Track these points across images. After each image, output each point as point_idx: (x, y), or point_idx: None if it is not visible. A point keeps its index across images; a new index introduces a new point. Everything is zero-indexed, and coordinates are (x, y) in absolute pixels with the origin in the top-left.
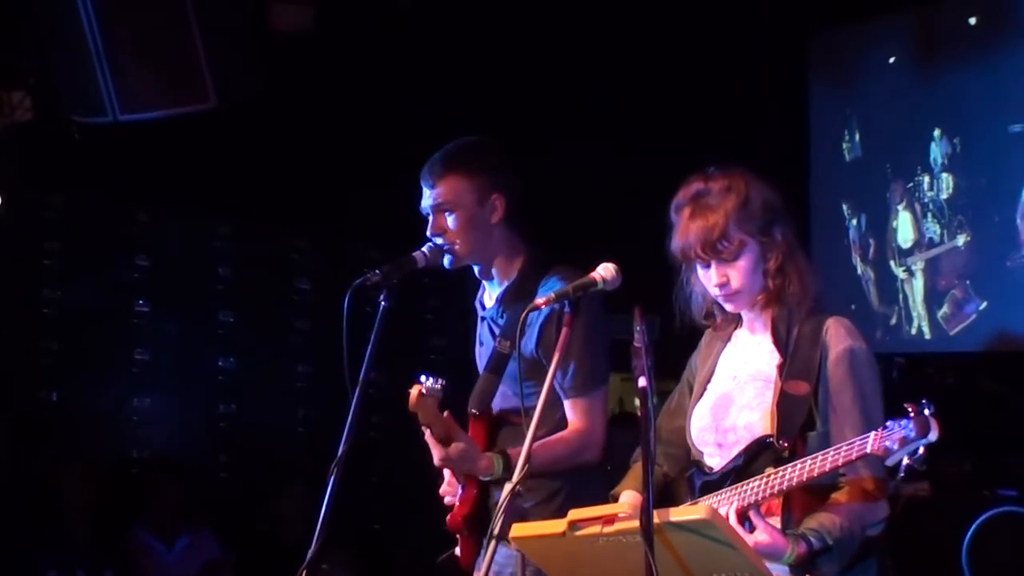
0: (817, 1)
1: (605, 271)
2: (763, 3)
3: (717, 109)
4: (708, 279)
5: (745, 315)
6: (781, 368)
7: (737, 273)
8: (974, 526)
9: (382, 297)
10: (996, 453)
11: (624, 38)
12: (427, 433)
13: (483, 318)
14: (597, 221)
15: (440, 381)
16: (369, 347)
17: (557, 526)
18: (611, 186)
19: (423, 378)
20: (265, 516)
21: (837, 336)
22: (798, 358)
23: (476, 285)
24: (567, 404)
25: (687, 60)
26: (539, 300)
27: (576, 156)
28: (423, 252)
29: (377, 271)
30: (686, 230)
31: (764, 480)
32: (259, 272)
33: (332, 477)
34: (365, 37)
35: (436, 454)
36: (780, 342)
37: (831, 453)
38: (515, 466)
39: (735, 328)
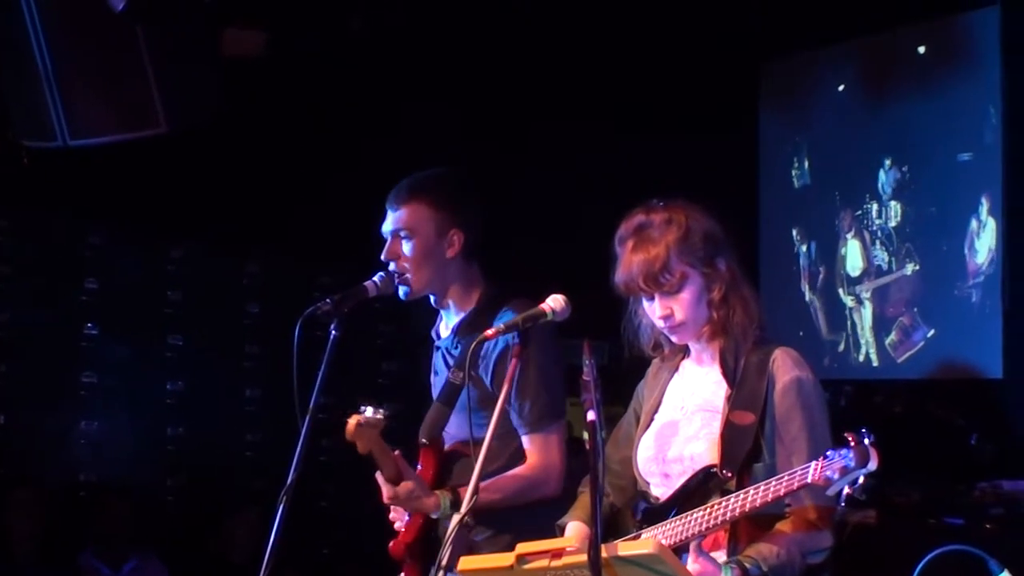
0: (768, 28)
1: (555, 302)
2: (714, 30)
3: (667, 134)
4: (652, 312)
5: (692, 346)
6: (730, 398)
7: (680, 305)
8: (920, 566)
9: (333, 326)
10: (943, 481)
11: (574, 67)
12: (378, 473)
13: (438, 348)
14: (546, 247)
15: (382, 411)
16: (319, 376)
17: (505, 559)
18: (561, 212)
19: (362, 408)
20: (214, 540)
21: (784, 366)
22: (745, 388)
23: (428, 311)
24: (524, 439)
25: (637, 87)
26: (488, 331)
27: (527, 183)
28: (374, 282)
29: (328, 300)
30: (628, 263)
31: (707, 511)
32: (209, 296)
33: (281, 506)
34: (317, 62)
35: (385, 492)
36: (728, 372)
37: (773, 483)
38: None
39: (682, 358)
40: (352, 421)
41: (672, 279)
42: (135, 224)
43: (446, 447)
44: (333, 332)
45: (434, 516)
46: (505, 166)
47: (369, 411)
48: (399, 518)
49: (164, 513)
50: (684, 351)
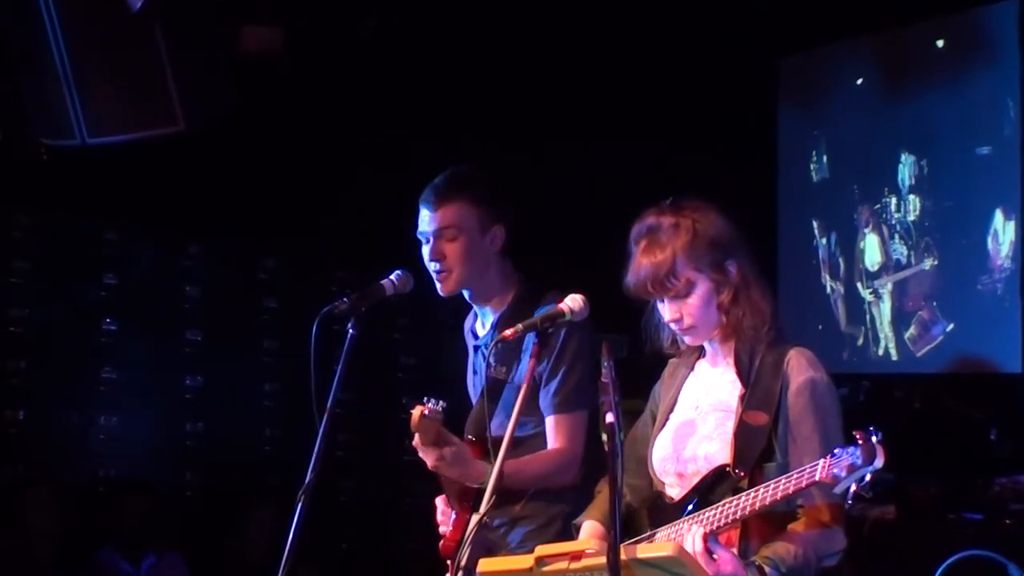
0: (786, 23)
1: (573, 302)
2: (732, 25)
3: (686, 130)
4: (664, 314)
5: (707, 346)
6: (743, 398)
7: (688, 310)
8: (940, 570)
9: (350, 325)
10: (963, 476)
11: (593, 64)
12: (416, 440)
13: (476, 347)
14: (569, 241)
15: (441, 403)
16: (336, 376)
17: (524, 561)
18: (582, 206)
19: (425, 399)
20: (232, 535)
21: (798, 367)
22: (759, 388)
23: (447, 304)
24: (548, 421)
25: (657, 83)
26: (507, 332)
27: (548, 177)
28: (391, 280)
29: (345, 299)
30: (637, 266)
31: (719, 509)
32: (227, 291)
33: (299, 505)
34: (334, 58)
35: (430, 457)
36: (743, 372)
37: (783, 481)
38: (509, 475)
39: (698, 358)
40: (416, 412)
41: (678, 284)
42: (153, 220)
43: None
44: (350, 331)
45: (478, 485)
46: (525, 161)
47: (431, 403)
48: (445, 523)
49: (183, 509)
50: (700, 350)
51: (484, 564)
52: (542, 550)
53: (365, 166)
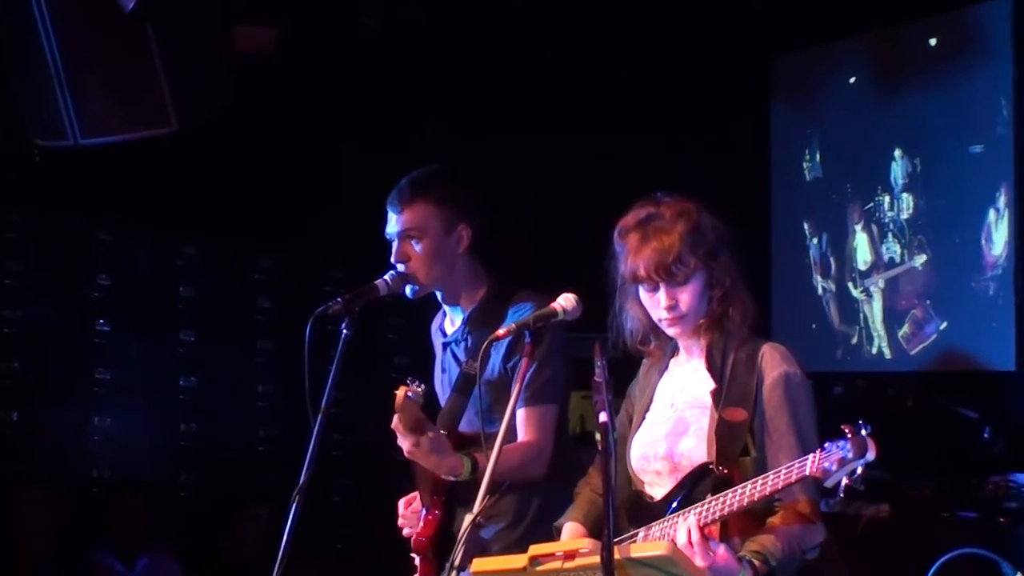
0: (779, 21)
1: (566, 301)
2: (726, 23)
3: (679, 127)
4: (655, 302)
5: (681, 342)
6: (715, 394)
7: (687, 296)
8: (934, 568)
9: (344, 325)
10: (956, 474)
11: (585, 61)
12: (395, 422)
13: (445, 344)
14: (556, 241)
15: (422, 387)
16: (331, 376)
17: (518, 561)
18: (574, 206)
19: (409, 380)
20: (227, 536)
21: (772, 362)
22: (735, 385)
23: (438, 306)
24: (519, 414)
25: (650, 81)
26: (500, 331)
27: (537, 176)
28: (385, 280)
29: (338, 300)
30: (639, 252)
31: (707, 505)
32: (221, 291)
33: (294, 505)
34: (328, 57)
35: (407, 443)
36: (714, 369)
37: (771, 477)
38: (483, 469)
39: (671, 357)
40: (400, 392)
41: (684, 269)
42: (146, 220)
43: (463, 437)
44: (344, 331)
45: (452, 477)
46: (514, 159)
47: (414, 384)
48: (408, 525)
49: (177, 509)
50: (672, 350)
51: (477, 564)
52: (536, 549)
53: (359, 166)
